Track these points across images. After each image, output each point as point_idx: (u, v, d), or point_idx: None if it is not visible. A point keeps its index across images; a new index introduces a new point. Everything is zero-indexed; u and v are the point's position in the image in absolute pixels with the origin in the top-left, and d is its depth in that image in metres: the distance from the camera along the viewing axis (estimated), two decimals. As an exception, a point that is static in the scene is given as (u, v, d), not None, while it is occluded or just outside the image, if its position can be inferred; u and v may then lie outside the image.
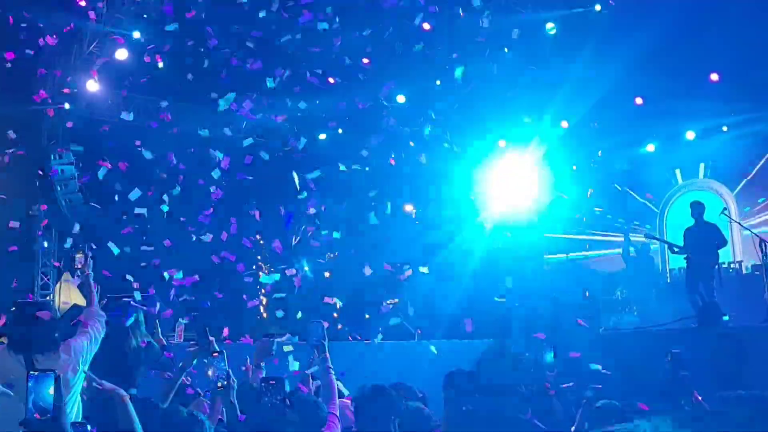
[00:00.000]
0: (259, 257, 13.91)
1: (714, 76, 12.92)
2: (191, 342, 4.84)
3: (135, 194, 7.12)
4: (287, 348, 4.81)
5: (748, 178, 14.10)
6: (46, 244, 13.14)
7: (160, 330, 5.89)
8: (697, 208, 11.18)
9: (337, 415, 4.17)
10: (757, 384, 4.87)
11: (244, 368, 4.83)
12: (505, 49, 11.07)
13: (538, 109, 13.02)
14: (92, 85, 12.54)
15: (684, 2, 11.84)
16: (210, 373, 4.12)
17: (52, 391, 2.38)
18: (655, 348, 9.09)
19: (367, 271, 8.17)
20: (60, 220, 12.32)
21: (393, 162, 11.47)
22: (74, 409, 4.30)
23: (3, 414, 4.03)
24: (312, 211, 9.21)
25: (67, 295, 10.97)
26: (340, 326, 10.71)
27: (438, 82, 12.29)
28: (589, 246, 15.41)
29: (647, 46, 11.79)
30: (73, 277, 10.70)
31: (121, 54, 12.13)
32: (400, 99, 13.56)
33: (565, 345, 9.60)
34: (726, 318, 10.06)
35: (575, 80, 12.43)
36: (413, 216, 14.95)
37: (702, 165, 14.33)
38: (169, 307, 6.73)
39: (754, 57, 12.29)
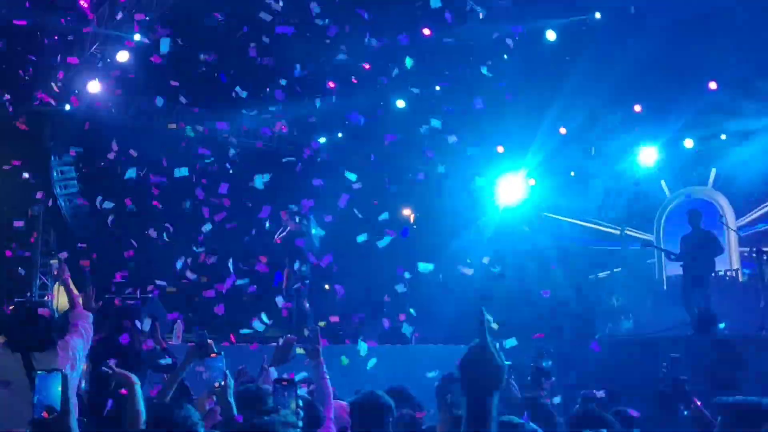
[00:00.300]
0: None
1: (712, 85, 12.98)
2: (189, 343, 4.86)
3: (182, 171, 7.18)
4: (299, 350, 4.81)
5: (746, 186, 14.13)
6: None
7: (159, 332, 5.93)
8: (694, 215, 11.24)
9: (332, 419, 4.20)
10: (752, 391, 4.89)
11: (264, 366, 4.81)
12: (505, 56, 11.12)
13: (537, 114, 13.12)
14: (94, 86, 12.57)
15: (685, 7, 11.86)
16: (205, 375, 4.13)
17: (59, 389, 2.41)
18: (650, 355, 9.15)
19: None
20: (59, 221, 12.37)
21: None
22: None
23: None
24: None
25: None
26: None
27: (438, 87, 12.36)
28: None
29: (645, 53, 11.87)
30: (54, 283, 10.77)
31: (123, 56, 12.17)
32: (400, 104, 13.65)
33: (564, 352, 9.70)
34: (722, 326, 10.09)
35: (574, 86, 12.49)
36: (411, 221, 15.01)
37: (713, 171, 14.29)
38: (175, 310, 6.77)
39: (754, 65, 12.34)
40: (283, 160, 9.76)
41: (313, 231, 10.74)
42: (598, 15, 13.27)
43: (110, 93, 12.88)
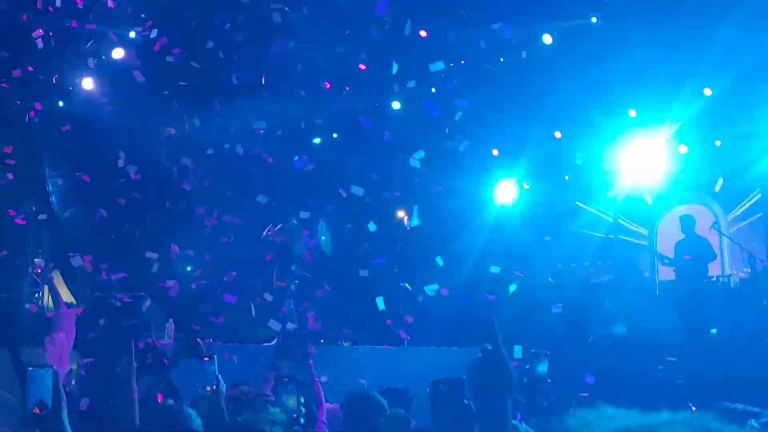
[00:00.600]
0: None
1: (707, 91, 12.97)
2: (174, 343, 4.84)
3: None
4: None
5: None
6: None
7: (153, 331, 5.89)
8: (687, 221, 11.28)
9: (325, 421, 4.19)
10: (744, 397, 4.89)
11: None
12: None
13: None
14: (87, 84, 12.52)
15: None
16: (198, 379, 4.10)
17: (50, 385, 2.39)
18: (643, 360, 9.16)
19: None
20: (52, 220, 12.31)
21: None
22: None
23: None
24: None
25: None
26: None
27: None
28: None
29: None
30: (41, 283, 10.73)
31: (118, 53, 12.13)
32: (395, 105, 13.59)
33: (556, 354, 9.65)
34: (714, 331, 10.13)
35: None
36: (405, 223, 14.93)
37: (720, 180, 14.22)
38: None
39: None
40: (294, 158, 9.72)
41: (323, 237, 10.74)
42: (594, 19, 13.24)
43: (105, 90, 12.82)
